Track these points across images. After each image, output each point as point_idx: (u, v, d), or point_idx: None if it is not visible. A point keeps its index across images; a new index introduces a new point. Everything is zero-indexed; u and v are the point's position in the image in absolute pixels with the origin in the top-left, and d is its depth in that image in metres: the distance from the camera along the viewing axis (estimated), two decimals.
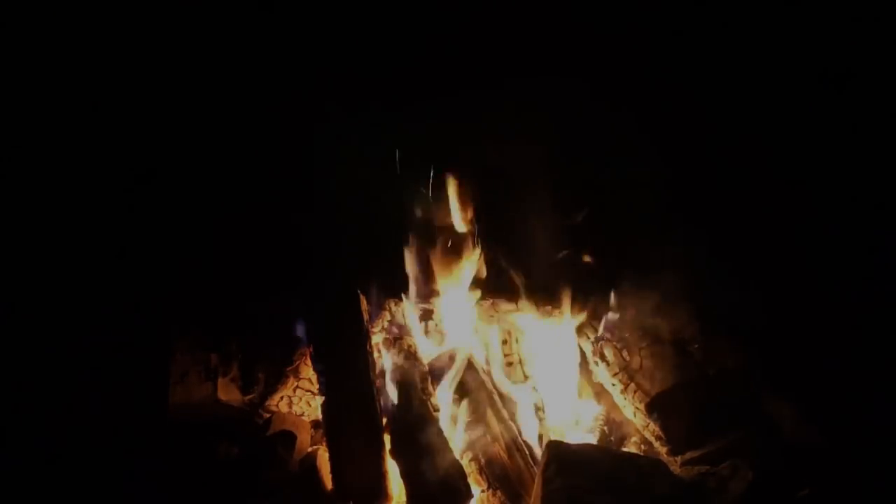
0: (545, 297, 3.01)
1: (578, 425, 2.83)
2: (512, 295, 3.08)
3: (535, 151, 3.20)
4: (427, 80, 3.48)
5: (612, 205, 3.38)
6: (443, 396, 2.71)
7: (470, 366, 2.77)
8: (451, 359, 2.80)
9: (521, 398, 2.78)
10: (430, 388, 2.70)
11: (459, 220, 3.08)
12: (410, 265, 3.03)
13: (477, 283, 3.07)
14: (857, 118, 3.17)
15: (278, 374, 2.91)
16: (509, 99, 3.35)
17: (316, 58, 3.55)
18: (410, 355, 2.84)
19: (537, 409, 2.77)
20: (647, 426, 2.72)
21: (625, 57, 3.39)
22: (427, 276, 3.06)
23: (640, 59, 3.41)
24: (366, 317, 2.78)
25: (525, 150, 3.23)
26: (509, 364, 2.99)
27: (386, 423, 2.54)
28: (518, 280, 3.06)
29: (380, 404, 2.55)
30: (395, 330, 3.04)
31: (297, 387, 2.88)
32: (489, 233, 3.11)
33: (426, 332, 3.05)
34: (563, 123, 3.34)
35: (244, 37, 3.45)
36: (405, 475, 2.36)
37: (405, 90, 3.48)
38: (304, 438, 2.75)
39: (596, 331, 2.97)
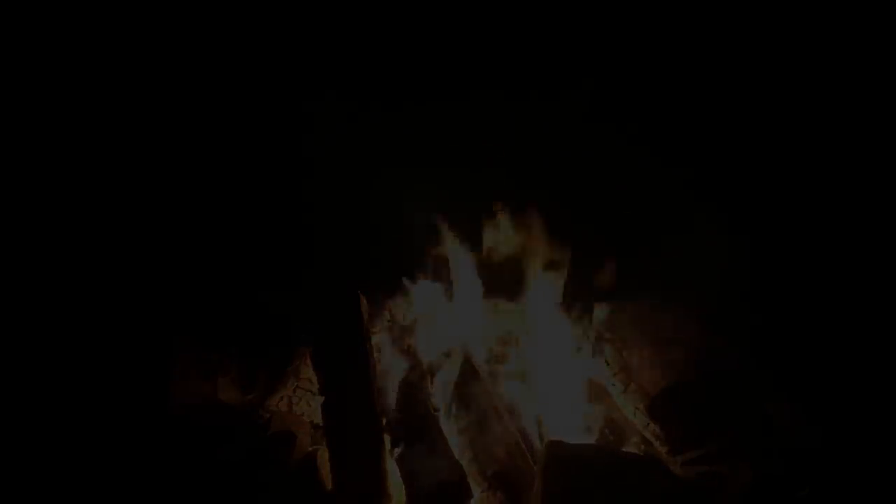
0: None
1: (578, 426, 2.83)
2: (512, 295, 3.09)
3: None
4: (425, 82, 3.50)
5: (613, 203, 3.38)
6: (443, 396, 2.71)
7: (470, 366, 2.77)
8: (451, 358, 2.80)
9: (521, 398, 2.78)
10: (430, 388, 2.70)
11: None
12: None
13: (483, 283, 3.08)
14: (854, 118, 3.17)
15: (278, 374, 2.91)
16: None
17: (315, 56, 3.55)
18: (410, 355, 2.85)
19: (537, 409, 2.77)
20: (647, 426, 2.72)
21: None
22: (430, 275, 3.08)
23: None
24: (366, 317, 2.78)
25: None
26: (509, 364, 2.99)
27: (386, 423, 2.54)
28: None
29: (380, 404, 2.55)
30: (395, 330, 3.04)
31: (297, 387, 2.88)
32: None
33: (426, 331, 3.05)
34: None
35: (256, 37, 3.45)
36: (405, 475, 2.36)
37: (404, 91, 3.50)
38: (304, 438, 2.75)
39: (596, 331, 2.97)
